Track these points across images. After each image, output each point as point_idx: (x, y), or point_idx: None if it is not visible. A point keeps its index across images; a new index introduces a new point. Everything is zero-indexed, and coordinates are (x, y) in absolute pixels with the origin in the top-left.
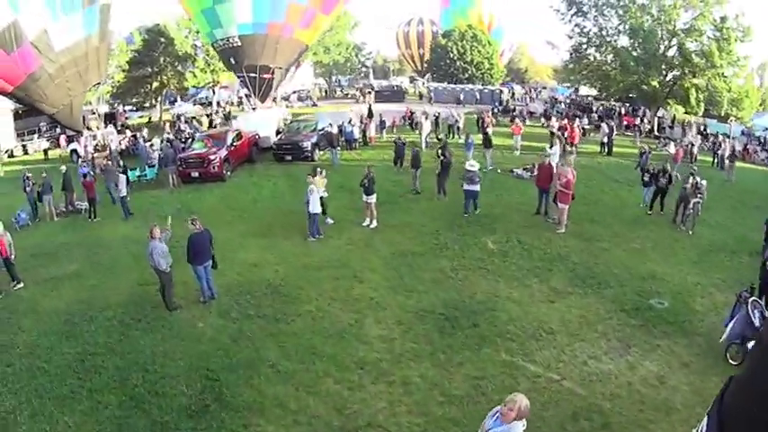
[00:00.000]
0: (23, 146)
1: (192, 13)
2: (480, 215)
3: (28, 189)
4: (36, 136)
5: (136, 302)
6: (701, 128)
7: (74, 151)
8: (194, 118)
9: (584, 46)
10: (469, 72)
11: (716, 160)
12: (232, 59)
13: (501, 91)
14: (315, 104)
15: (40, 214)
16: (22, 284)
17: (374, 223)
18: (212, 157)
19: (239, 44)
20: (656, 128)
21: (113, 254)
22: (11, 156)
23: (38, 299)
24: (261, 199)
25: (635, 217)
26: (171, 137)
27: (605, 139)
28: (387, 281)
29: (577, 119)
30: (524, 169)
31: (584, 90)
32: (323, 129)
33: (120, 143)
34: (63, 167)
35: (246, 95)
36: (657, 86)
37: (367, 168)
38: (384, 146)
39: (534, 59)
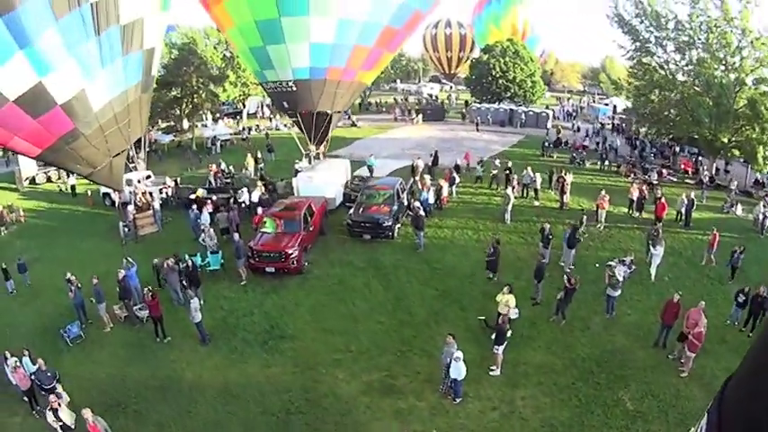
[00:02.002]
0: (46, 173)
1: (238, 49)
2: (605, 351)
3: (71, 294)
4: None
5: None
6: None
7: (106, 195)
8: (230, 141)
9: (648, 87)
10: (512, 90)
11: None
12: (285, 103)
13: (546, 114)
14: (354, 124)
15: (90, 316)
16: None
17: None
18: (290, 250)
19: (294, 89)
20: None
21: (213, 417)
22: (32, 182)
23: None
24: (360, 315)
25: (737, 342)
26: (219, 192)
27: (683, 209)
28: None
29: (652, 175)
30: (621, 262)
31: (617, 100)
32: (399, 194)
33: (161, 191)
34: (121, 272)
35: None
36: (726, 142)
37: (501, 318)
38: (459, 209)
39: (558, 59)
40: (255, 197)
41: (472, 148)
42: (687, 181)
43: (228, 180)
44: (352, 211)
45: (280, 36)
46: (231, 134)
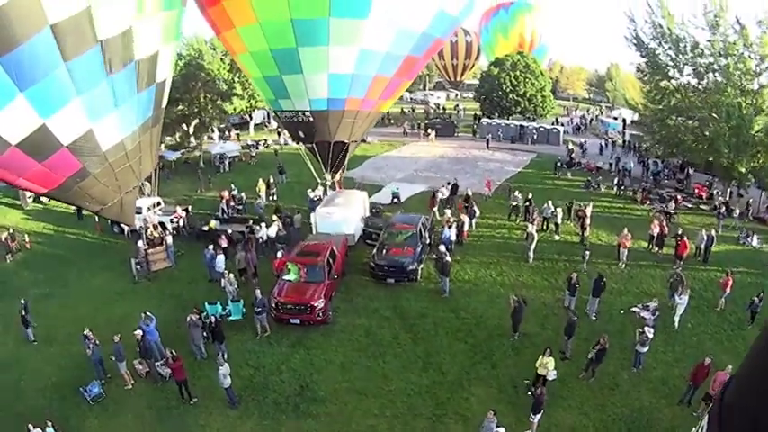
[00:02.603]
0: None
1: (251, 76)
2: (633, 409)
3: (89, 351)
4: None
5: None
6: None
7: (114, 223)
8: (238, 158)
9: (666, 112)
10: (522, 105)
11: None
12: (300, 133)
13: (557, 131)
14: (364, 140)
15: (109, 371)
16: None
17: None
18: (316, 302)
19: (311, 119)
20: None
21: None
22: (36, 200)
23: None
24: (392, 373)
25: None
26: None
27: (702, 245)
28: None
29: (669, 205)
30: (645, 307)
31: (626, 112)
32: (422, 234)
33: (172, 221)
34: (138, 333)
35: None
36: (744, 172)
37: (540, 389)
38: (480, 245)
39: (563, 66)
40: (273, 232)
41: (486, 170)
42: (702, 207)
43: (241, 207)
44: (374, 252)
45: (297, 66)
46: (239, 151)
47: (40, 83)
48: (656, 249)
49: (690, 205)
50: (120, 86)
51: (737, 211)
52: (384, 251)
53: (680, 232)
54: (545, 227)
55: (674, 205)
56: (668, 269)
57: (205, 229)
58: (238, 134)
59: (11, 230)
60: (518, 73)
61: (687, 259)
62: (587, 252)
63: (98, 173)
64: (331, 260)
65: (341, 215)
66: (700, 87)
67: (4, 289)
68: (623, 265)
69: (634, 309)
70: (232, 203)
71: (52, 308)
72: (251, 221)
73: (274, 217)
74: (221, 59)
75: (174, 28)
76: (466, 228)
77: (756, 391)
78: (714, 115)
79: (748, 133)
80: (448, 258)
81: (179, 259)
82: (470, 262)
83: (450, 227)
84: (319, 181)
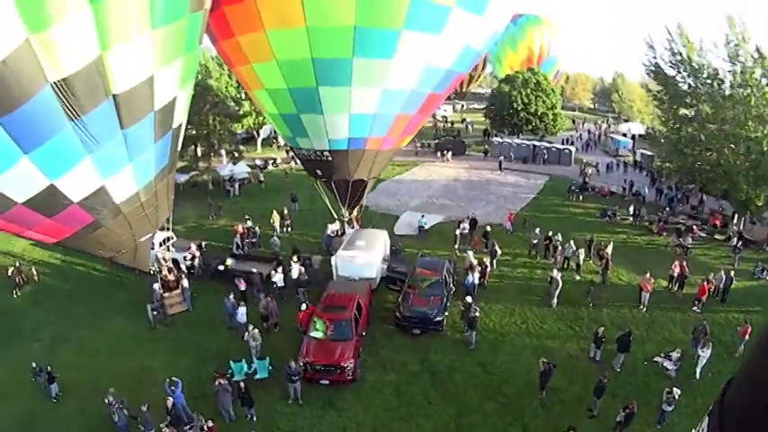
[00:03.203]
0: None
1: (266, 112)
2: None
3: (115, 417)
4: None
5: None
6: None
7: None
8: (247, 179)
9: (684, 143)
10: (533, 123)
11: None
12: (318, 171)
13: (569, 151)
14: None
15: None
16: None
17: None
18: (346, 363)
19: (330, 158)
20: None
21: None
22: None
23: None
24: None
25: None
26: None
27: (721, 285)
28: None
29: (686, 239)
30: (667, 357)
31: (631, 124)
32: (447, 280)
33: (185, 259)
34: (169, 401)
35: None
36: (761, 205)
37: None
38: (502, 288)
39: (569, 75)
40: (295, 273)
41: (501, 196)
42: (716, 237)
43: (255, 240)
44: (399, 301)
45: (317, 106)
46: (249, 172)
47: (45, 144)
48: (676, 289)
49: (704, 235)
50: (136, 139)
51: (735, 239)
52: (409, 301)
53: (711, 277)
54: (565, 265)
55: (690, 240)
56: (689, 312)
57: (221, 268)
58: (242, 151)
59: (17, 263)
60: (529, 91)
61: (706, 300)
62: (591, 288)
63: (112, 225)
64: (357, 314)
65: (363, 259)
66: (719, 117)
67: (15, 330)
68: (644, 308)
69: (657, 359)
70: (247, 239)
71: (66, 355)
72: (274, 259)
73: (294, 259)
74: (229, 76)
75: (191, 70)
76: (488, 269)
77: (757, 391)
78: (732, 146)
79: (767, 166)
80: (477, 314)
81: (195, 301)
82: (494, 308)
83: (473, 272)
84: (337, 217)
